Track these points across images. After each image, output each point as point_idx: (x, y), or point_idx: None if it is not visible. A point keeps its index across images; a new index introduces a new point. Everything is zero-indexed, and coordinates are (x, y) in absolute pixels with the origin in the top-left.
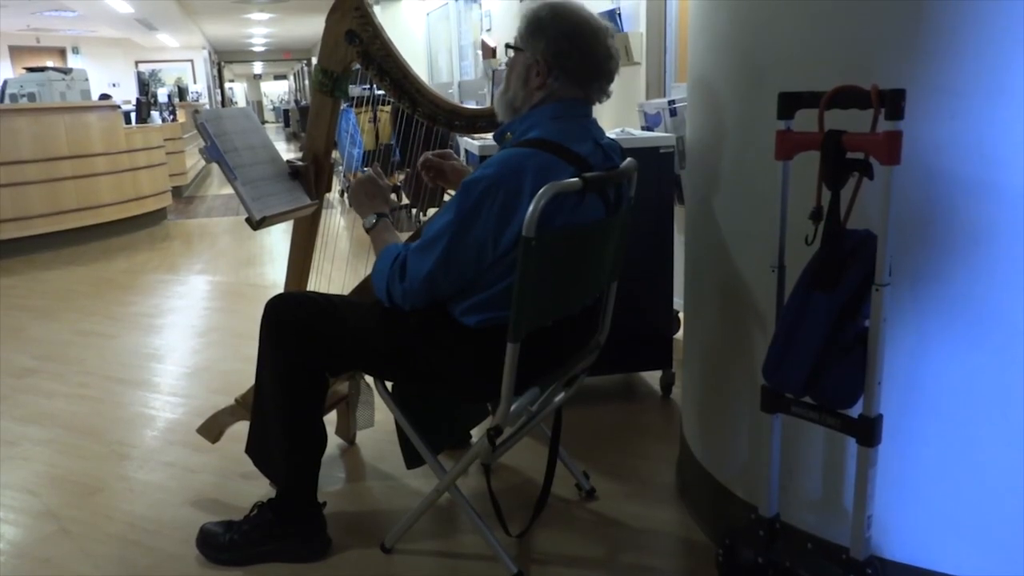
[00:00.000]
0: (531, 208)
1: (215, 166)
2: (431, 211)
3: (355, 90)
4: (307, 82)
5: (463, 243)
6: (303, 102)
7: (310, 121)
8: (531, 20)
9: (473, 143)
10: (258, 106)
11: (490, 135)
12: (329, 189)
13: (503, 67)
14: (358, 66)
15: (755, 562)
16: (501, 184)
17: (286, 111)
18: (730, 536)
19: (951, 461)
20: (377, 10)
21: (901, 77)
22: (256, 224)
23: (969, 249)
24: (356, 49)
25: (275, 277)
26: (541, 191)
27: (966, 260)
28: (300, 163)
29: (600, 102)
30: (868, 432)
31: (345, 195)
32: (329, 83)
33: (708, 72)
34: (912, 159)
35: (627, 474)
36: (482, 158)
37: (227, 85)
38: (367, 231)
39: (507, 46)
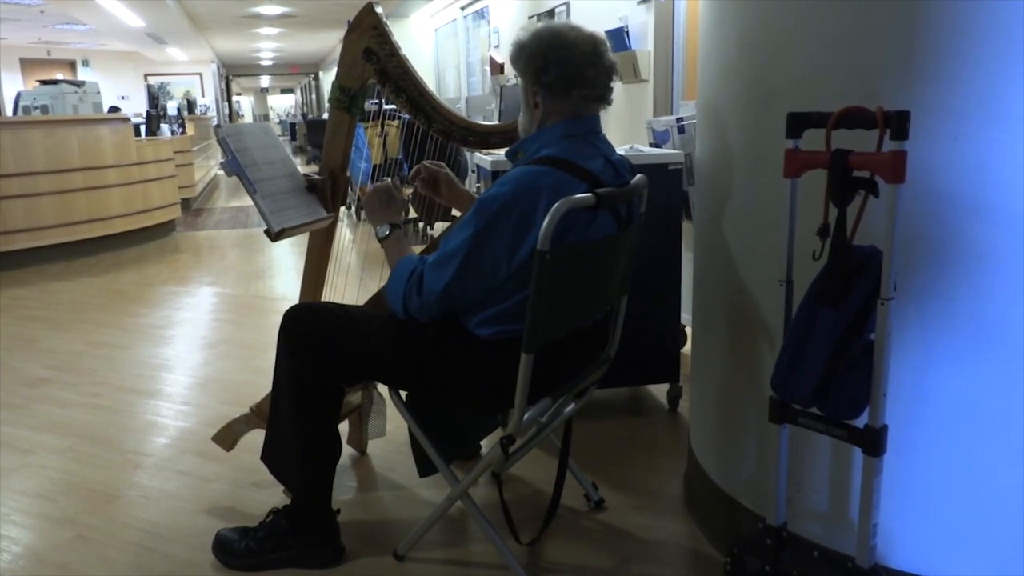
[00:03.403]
0: (546, 223)
1: (223, 179)
2: (439, 225)
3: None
4: (314, 96)
5: (479, 258)
6: (309, 116)
7: (327, 137)
8: (513, 48)
9: (485, 159)
10: (264, 119)
11: (502, 152)
12: (344, 203)
13: (510, 83)
14: (372, 82)
15: (762, 571)
16: (517, 202)
17: (292, 125)
18: (737, 545)
19: (955, 472)
20: None
21: (905, 99)
22: (275, 236)
23: (971, 267)
24: (373, 67)
25: (284, 290)
26: (556, 206)
27: (968, 277)
28: (317, 177)
29: (598, 111)
30: (873, 442)
31: (353, 208)
32: (346, 100)
33: (717, 96)
34: (916, 178)
35: (635, 486)
36: (494, 174)
37: (234, 98)
38: (380, 240)
39: None
